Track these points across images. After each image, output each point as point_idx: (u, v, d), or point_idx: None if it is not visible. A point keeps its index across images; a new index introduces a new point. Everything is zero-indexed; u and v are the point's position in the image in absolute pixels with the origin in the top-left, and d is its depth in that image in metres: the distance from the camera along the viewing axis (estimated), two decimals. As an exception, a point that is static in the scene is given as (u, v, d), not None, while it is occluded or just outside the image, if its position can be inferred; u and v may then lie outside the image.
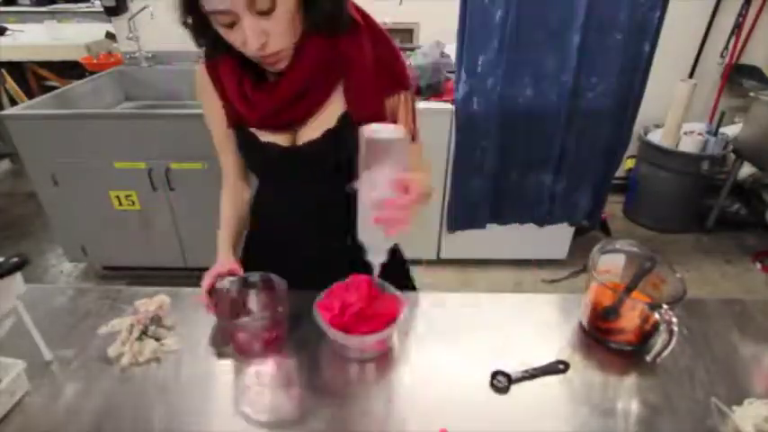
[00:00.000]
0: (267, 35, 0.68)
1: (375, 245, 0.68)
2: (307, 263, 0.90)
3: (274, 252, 0.93)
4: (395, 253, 1.00)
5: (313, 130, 0.81)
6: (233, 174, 0.95)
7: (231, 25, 0.67)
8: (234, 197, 0.96)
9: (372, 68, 0.77)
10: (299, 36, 0.73)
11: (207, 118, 0.90)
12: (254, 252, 0.99)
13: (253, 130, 0.83)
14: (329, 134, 0.80)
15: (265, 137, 0.82)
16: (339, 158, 0.81)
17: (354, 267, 0.77)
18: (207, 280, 0.82)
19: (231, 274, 0.83)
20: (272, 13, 0.66)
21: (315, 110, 0.79)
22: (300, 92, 0.77)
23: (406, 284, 1.05)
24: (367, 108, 0.78)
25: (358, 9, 0.79)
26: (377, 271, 0.71)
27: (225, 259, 0.86)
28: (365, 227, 0.66)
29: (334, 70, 0.77)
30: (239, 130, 0.85)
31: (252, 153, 0.87)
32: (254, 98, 0.78)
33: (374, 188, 0.62)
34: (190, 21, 0.72)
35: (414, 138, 0.84)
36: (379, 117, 0.79)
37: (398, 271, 1.04)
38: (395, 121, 0.82)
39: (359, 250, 0.68)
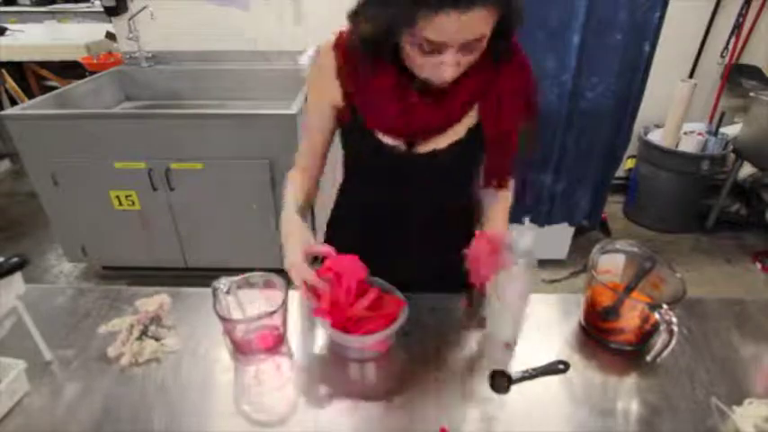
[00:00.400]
0: (459, 66, 0.69)
1: (502, 337, 0.81)
2: (414, 268, 0.88)
3: (380, 254, 0.81)
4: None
5: (439, 140, 0.80)
6: (310, 157, 0.91)
7: (431, 52, 0.66)
8: (303, 182, 0.92)
9: (515, 93, 0.79)
10: None
11: (314, 95, 0.86)
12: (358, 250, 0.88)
13: (372, 128, 0.81)
14: (456, 145, 0.80)
15: (385, 138, 0.81)
16: (461, 169, 0.81)
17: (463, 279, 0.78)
18: (302, 266, 0.73)
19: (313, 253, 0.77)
20: (473, 52, 0.67)
21: (451, 124, 0.80)
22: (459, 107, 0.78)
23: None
24: (502, 125, 0.80)
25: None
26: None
27: (309, 236, 0.79)
28: (502, 321, 0.81)
29: (480, 91, 0.78)
30: (353, 127, 0.82)
31: (367, 152, 0.84)
32: (419, 107, 0.77)
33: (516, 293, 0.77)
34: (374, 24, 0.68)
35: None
36: (512, 136, 0.82)
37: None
38: None
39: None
